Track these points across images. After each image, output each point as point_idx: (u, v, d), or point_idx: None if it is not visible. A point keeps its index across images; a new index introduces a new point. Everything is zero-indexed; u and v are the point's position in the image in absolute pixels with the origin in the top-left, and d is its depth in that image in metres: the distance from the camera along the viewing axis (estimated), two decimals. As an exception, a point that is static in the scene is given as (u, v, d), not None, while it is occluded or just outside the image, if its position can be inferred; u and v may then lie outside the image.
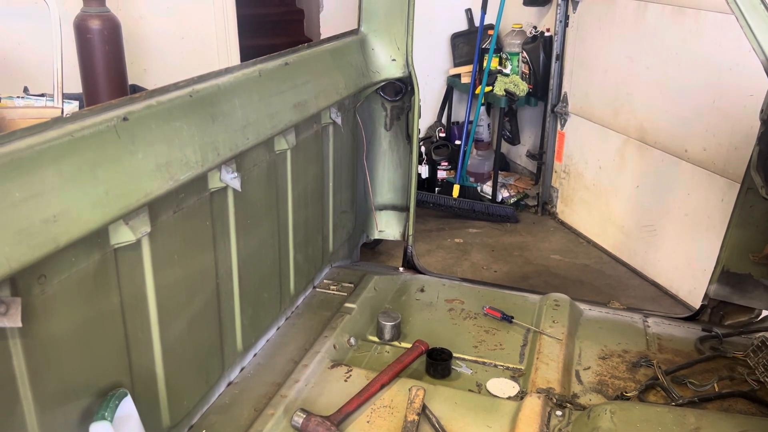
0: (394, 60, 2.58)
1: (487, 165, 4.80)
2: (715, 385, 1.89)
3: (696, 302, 2.41)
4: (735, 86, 2.90)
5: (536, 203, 4.51)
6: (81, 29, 3.14)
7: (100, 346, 1.34)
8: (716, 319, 2.31)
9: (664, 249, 3.47)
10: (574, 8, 3.98)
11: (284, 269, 2.15)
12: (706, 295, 2.29)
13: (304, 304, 2.31)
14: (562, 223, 4.32)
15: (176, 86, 1.50)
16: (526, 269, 3.77)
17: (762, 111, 1.97)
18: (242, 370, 1.94)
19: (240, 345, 1.91)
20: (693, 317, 2.33)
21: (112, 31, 3.18)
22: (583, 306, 2.39)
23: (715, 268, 2.24)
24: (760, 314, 2.28)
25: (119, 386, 1.37)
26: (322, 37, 5.40)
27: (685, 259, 3.32)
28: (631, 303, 3.24)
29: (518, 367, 2.02)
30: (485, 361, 2.05)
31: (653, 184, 3.51)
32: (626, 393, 1.87)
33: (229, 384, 1.87)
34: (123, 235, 1.32)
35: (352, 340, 2.11)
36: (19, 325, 1.06)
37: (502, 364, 2.03)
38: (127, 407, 1.36)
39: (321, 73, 2.17)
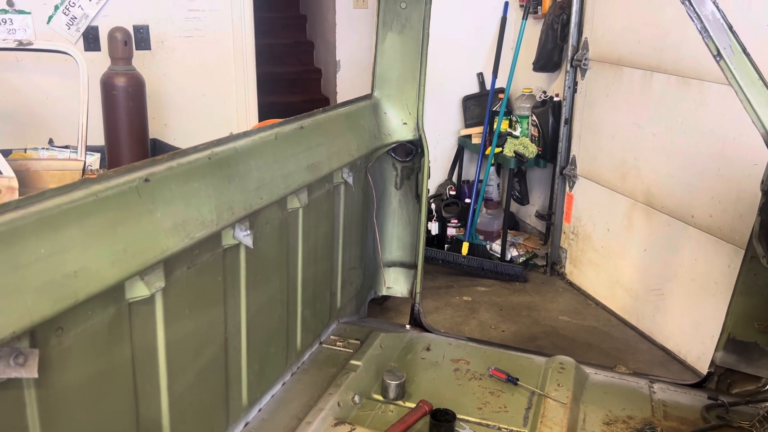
0: (405, 123, 2.68)
1: (496, 224, 4.85)
2: (721, 455, 1.87)
3: (704, 368, 2.40)
4: (739, 156, 2.96)
5: (545, 263, 4.53)
6: (107, 86, 3.28)
7: (109, 397, 1.37)
8: (723, 386, 2.29)
9: (672, 313, 3.46)
10: (583, 75, 4.10)
11: (292, 324, 2.18)
12: (712, 363, 2.28)
13: (310, 360, 2.33)
14: (571, 284, 4.33)
15: (196, 149, 1.58)
16: (533, 330, 3.76)
17: (762, 182, 2.02)
18: (246, 425, 1.95)
19: (245, 400, 1.93)
20: (699, 384, 2.32)
21: (137, 88, 3.31)
22: (588, 370, 2.38)
23: (720, 335, 2.24)
24: (768, 383, 2.27)
25: (126, 439, 1.40)
26: (338, 96, 5.61)
27: (692, 324, 3.31)
28: (639, 367, 3.21)
29: (522, 430, 2.01)
30: (489, 423, 2.04)
31: (661, 248, 3.53)
32: (630, 461, 1.86)
33: (233, 439, 1.88)
34: (138, 290, 1.37)
35: (357, 398, 2.12)
36: (36, 376, 1.11)
37: (506, 426, 2.03)
38: (133, 460, 1.38)
39: (335, 135, 2.26)
